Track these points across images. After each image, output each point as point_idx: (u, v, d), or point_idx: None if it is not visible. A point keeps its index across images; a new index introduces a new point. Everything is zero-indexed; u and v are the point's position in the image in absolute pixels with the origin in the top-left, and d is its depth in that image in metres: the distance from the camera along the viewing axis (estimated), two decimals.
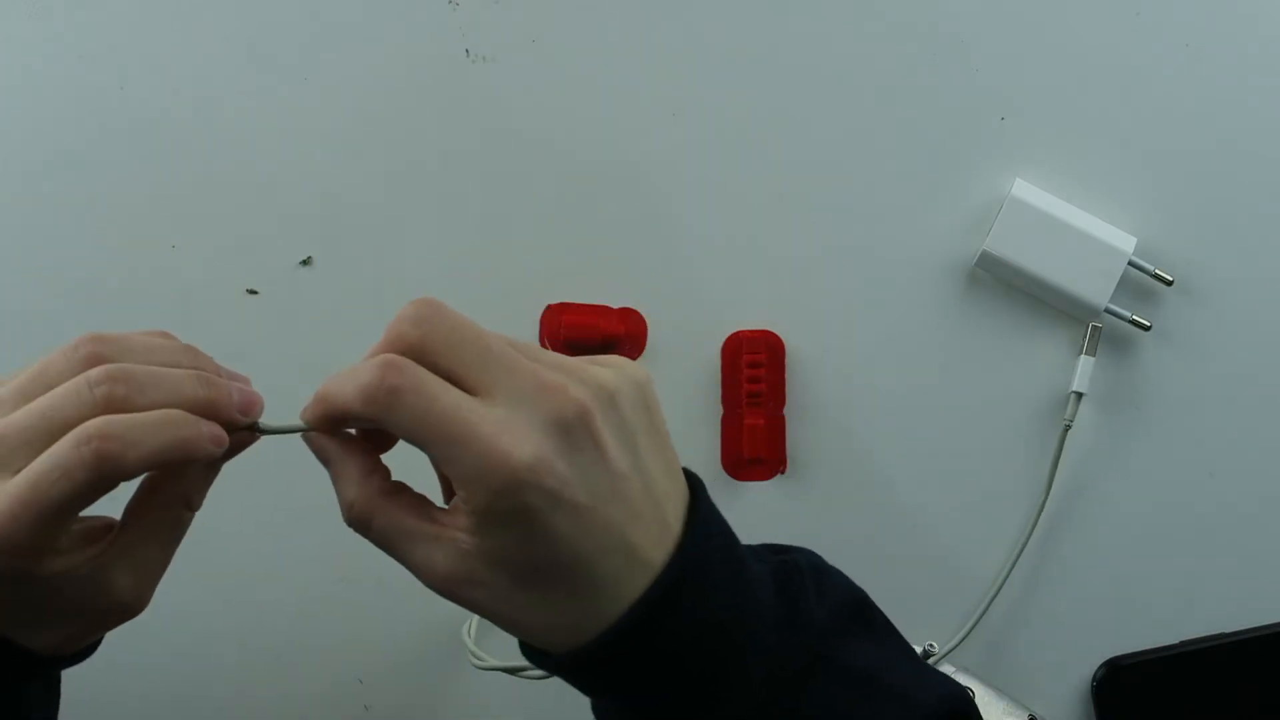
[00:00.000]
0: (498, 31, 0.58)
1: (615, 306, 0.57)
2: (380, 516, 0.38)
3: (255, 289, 0.57)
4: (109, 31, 0.57)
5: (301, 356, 0.57)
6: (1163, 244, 0.57)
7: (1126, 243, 0.56)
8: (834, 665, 0.38)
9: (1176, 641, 0.56)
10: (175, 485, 0.40)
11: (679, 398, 0.57)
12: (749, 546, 0.40)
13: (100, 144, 0.57)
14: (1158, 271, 0.57)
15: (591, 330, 0.55)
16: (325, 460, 0.40)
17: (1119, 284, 0.56)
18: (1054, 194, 0.57)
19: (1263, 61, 0.58)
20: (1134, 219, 0.57)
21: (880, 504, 0.57)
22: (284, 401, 0.56)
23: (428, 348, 0.37)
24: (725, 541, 0.38)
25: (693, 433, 0.57)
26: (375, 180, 0.58)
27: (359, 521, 0.38)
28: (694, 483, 0.39)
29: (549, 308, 0.56)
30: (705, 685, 0.37)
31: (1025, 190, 0.57)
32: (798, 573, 0.40)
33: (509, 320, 0.57)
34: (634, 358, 0.56)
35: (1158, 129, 0.58)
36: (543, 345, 0.54)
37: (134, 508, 0.40)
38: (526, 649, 0.38)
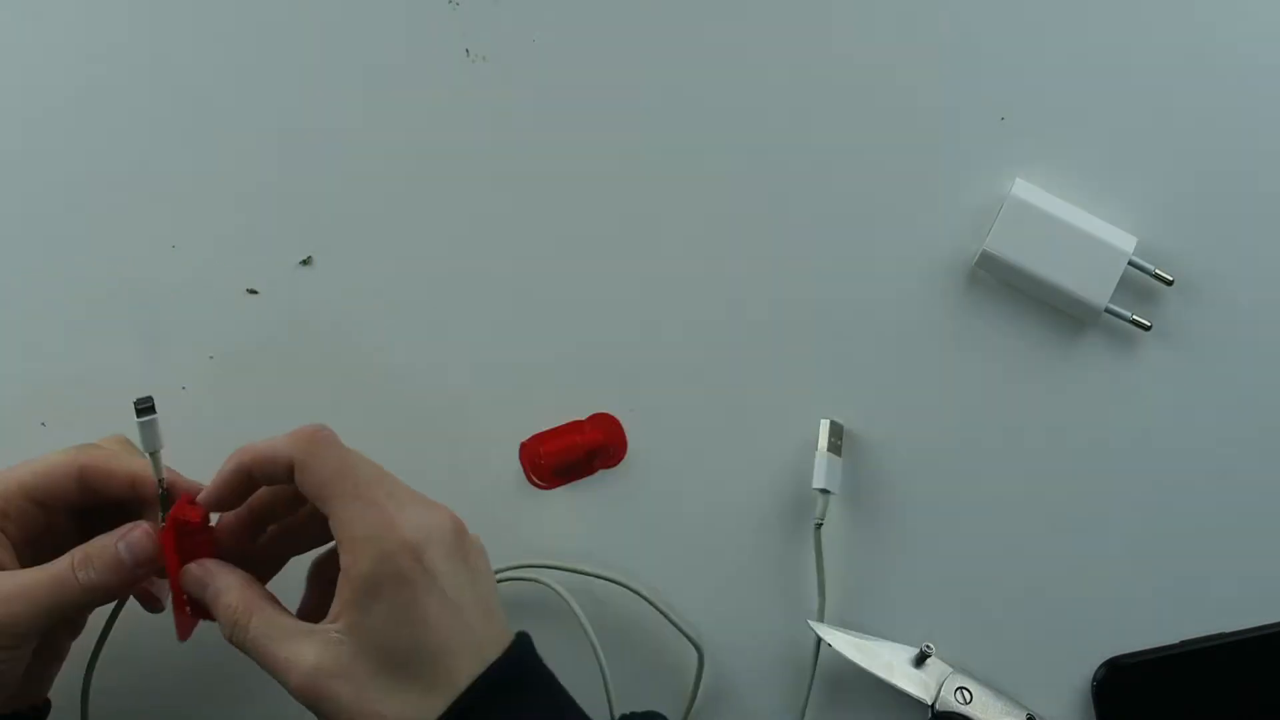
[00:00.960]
0: (498, 31, 0.58)
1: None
2: (259, 615, 0.42)
3: (255, 289, 0.57)
4: (109, 31, 0.57)
5: (301, 356, 0.57)
6: (1163, 244, 0.57)
7: (1126, 243, 0.56)
8: None
9: (1176, 641, 0.56)
10: (79, 547, 0.44)
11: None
12: None
13: (100, 144, 0.57)
14: (1158, 271, 0.56)
15: (572, 450, 0.56)
16: (204, 580, 0.44)
17: (1119, 284, 0.56)
18: (1054, 194, 0.57)
19: (1263, 61, 0.58)
20: (1134, 219, 0.57)
21: (880, 503, 0.57)
22: (284, 400, 0.56)
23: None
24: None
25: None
26: (375, 180, 0.58)
27: (238, 623, 0.42)
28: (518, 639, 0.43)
29: (523, 445, 0.56)
30: None
31: (1025, 190, 0.57)
32: None
33: (514, 302, 0.57)
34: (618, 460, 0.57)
35: (1158, 129, 0.58)
36: (530, 478, 0.56)
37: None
38: None
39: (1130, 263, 0.56)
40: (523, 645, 0.43)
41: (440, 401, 0.57)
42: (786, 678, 0.56)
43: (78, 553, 0.44)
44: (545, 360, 0.57)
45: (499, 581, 0.55)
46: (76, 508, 0.47)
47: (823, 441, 0.56)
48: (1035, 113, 0.58)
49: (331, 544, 0.45)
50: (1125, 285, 0.56)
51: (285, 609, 0.43)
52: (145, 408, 0.45)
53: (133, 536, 0.45)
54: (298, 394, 0.57)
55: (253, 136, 0.57)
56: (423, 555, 0.41)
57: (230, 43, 0.57)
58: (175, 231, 0.57)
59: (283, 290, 0.57)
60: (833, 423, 0.56)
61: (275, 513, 0.46)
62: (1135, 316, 0.56)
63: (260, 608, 0.42)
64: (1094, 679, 0.56)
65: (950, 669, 0.55)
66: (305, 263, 0.57)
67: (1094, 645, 0.56)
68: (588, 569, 0.55)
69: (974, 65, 0.58)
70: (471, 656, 0.41)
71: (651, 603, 0.55)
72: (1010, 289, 0.58)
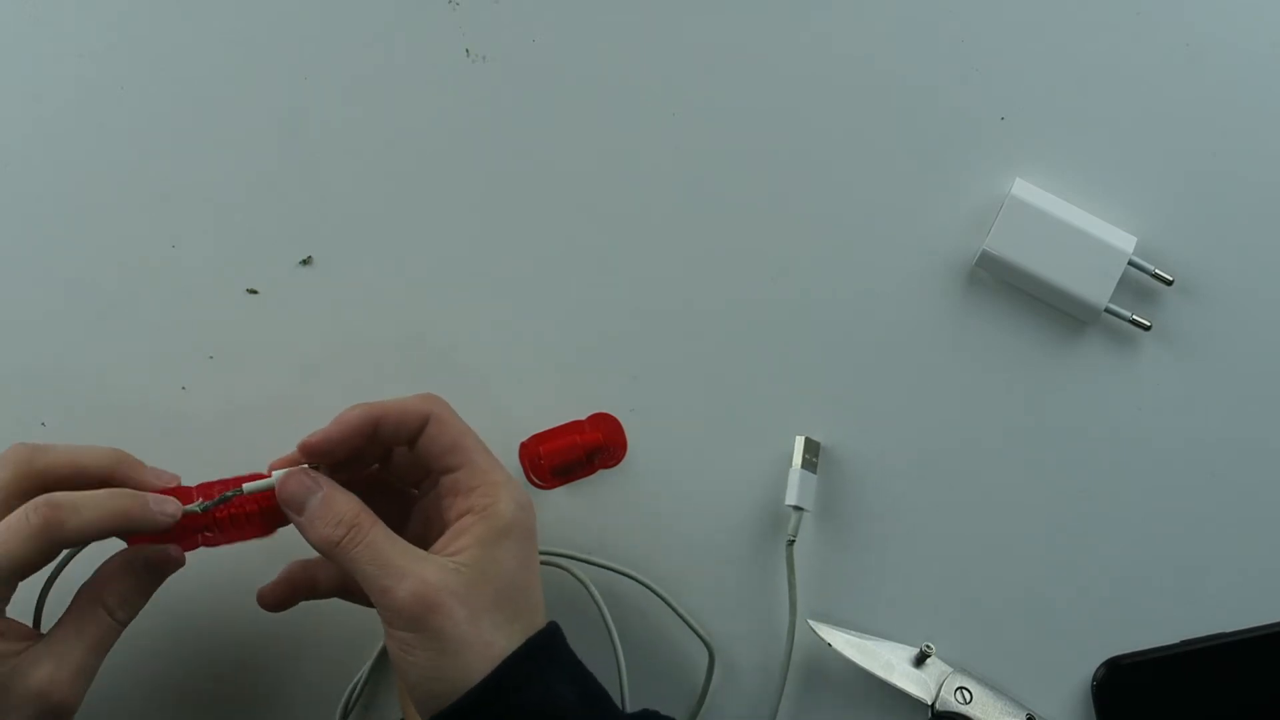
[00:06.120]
0: (498, 31, 0.58)
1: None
2: (380, 527, 0.44)
3: (255, 289, 0.57)
4: (109, 31, 0.57)
5: (301, 356, 0.57)
6: (1163, 244, 0.57)
7: (1126, 243, 0.56)
8: None
9: (1177, 641, 0.56)
10: (103, 590, 0.44)
11: None
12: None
13: (100, 144, 0.57)
14: (1158, 271, 0.57)
15: (572, 450, 0.56)
16: (312, 486, 0.45)
17: (1119, 284, 0.56)
18: (1054, 194, 0.57)
19: (1263, 62, 0.58)
20: (1134, 219, 0.57)
21: (881, 502, 0.57)
22: (284, 400, 0.56)
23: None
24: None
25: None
26: (375, 180, 0.58)
27: (359, 525, 0.44)
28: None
29: (523, 445, 0.56)
30: None
31: (1025, 190, 0.57)
32: None
33: (515, 302, 0.57)
34: (618, 460, 0.57)
35: (1158, 129, 0.58)
36: (529, 478, 0.56)
37: (67, 611, 0.44)
38: None
39: (1130, 263, 0.56)
40: (558, 628, 0.47)
41: None
42: (791, 677, 0.56)
43: (107, 597, 0.44)
44: (545, 360, 0.57)
45: None
46: None
47: (797, 458, 0.56)
48: (1035, 113, 0.58)
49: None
50: (1125, 285, 0.56)
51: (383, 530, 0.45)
52: None
53: (154, 559, 0.45)
54: (298, 394, 0.57)
55: (253, 136, 0.57)
56: (534, 520, 0.46)
57: (230, 43, 0.57)
58: (175, 231, 0.57)
59: (283, 290, 0.57)
60: (808, 440, 0.56)
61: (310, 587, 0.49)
62: (1135, 316, 0.56)
63: (376, 521, 0.44)
64: (1094, 679, 0.56)
65: (950, 669, 0.55)
66: (305, 263, 0.57)
67: (1094, 645, 0.56)
68: (605, 562, 0.55)
69: (974, 65, 0.58)
70: (540, 617, 0.45)
71: (667, 600, 0.55)
72: (1010, 289, 0.58)
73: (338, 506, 0.44)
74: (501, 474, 0.46)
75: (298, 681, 0.56)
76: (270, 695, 0.56)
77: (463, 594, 0.42)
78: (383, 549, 0.43)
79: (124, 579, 0.45)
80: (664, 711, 0.50)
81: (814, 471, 0.56)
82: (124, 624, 0.45)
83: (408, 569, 0.42)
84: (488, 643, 0.42)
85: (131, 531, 0.45)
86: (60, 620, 0.44)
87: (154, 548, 0.46)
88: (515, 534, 0.44)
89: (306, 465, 0.46)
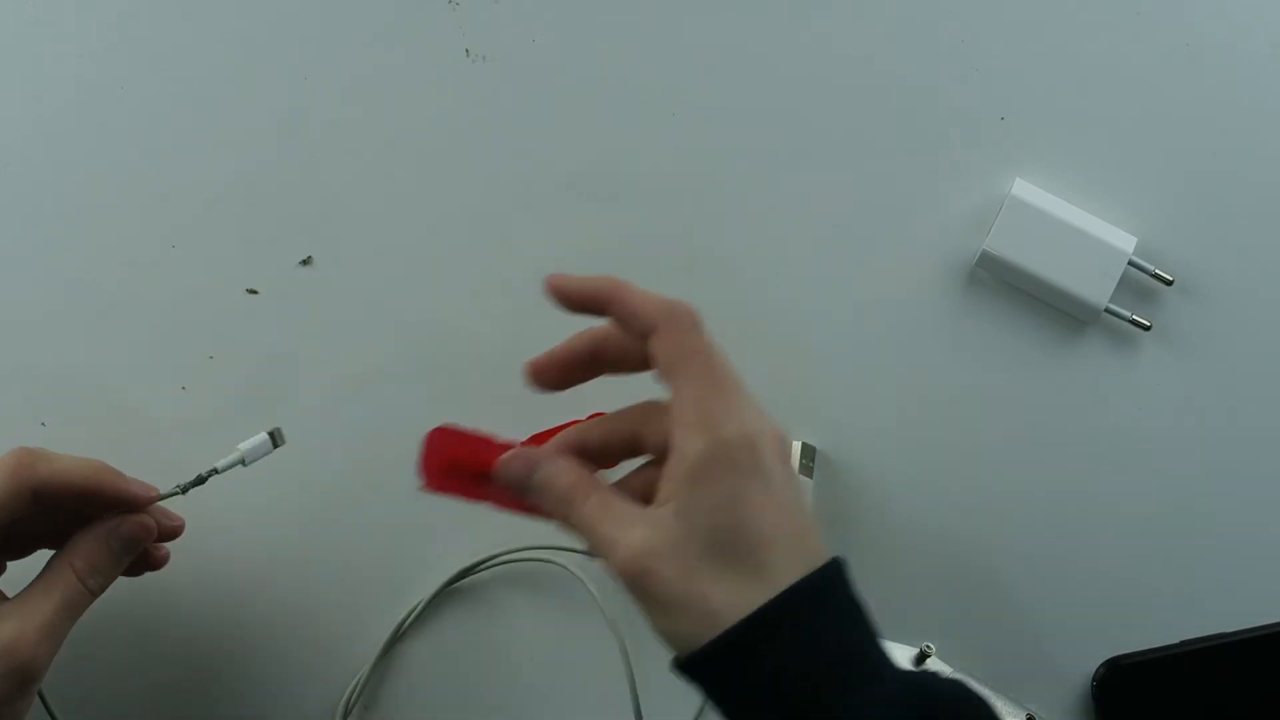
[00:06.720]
0: (498, 31, 0.58)
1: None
2: (594, 495, 0.42)
3: (255, 289, 0.57)
4: (109, 31, 0.57)
5: (301, 356, 0.57)
6: (1163, 244, 0.57)
7: (1126, 243, 0.56)
8: None
9: (1176, 641, 0.56)
10: (74, 556, 0.45)
11: None
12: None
13: (100, 144, 0.57)
14: (1158, 271, 0.57)
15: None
16: (534, 464, 0.44)
17: (1119, 284, 0.56)
18: (1054, 194, 0.57)
19: (1263, 62, 0.58)
20: (1134, 219, 0.57)
21: (881, 501, 0.57)
22: (283, 401, 0.56)
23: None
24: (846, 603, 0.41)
25: None
26: (375, 180, 0.58)
27: (574, 501, 0.42)
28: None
29: (523, 444, 0.56)
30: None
31: (1025, 190, 0.57)
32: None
33: (515, 303, 0.57)
34: None
35: (1158, 129, 0.58)
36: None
37: (38, 575, 0.45)
38: (678, 663, 0.40)
39: (1130, 263, 0.56)
40: (841, 565, 0.42)
41: (441, 400, 0.57)
42: None
43: (76, 561, 0.45)
44: None
45: (510, 562, 0.56)
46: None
47: (794, 465, 0.55)
48: (1035, 113, 0.58)
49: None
50: (1125, 285, 0.56)
51: (616, 491, 0.42)
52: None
53: (124, 529, 0.46)
54: (298, 394, 0.57)
55: (253, 136, 0.57)
56: (757, 449, 0.40)
57: (230, 43, 0.57)
58: (175, 231, 0.57)
59: (283, 290, 0.57)
60: (804, 445, 0.56)
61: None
62: (1135, 316, 0.56)
63: (593, 488, 0.42)
64: (1094, 679, 0.56)
65: (950, 669, 0.55)
66: (305, 263, 0.57)
67: (1094, 645, 0.56)
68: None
69: (974, 65, 0.58)
70: (795, 557, 0.40)
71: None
72: (1010, 289, 0.58)
73: (554, 483, 0.43)
74: (705, 407, 0.40)
75: (297, 681, 0.56)
76: (270, 695, 0.56)
77: (669, 552, 0.39)
78: (593, 519, 0.41)
79: (95, 546, 0.46)
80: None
81: (810, 477, 0.56)
82: (94, 593, 0.46)
83: (618, 538, 0.40)
84: (704, 597, 0.39)
85: (105, 495, 0.46)
86: (30, 583, 0.45)
87: (127, 519, 0.47)
88: (716, 473, 0.39)
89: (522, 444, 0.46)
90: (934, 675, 0.41)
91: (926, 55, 0.58)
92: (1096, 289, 0.56)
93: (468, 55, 0.58)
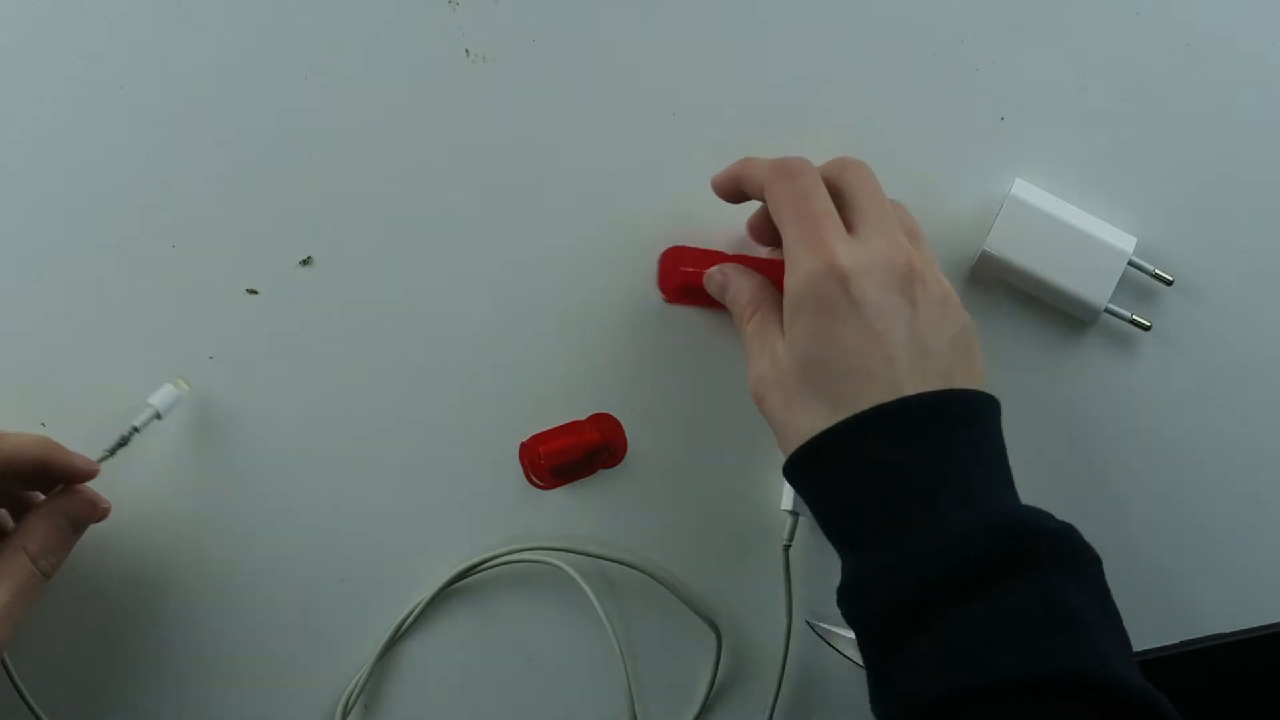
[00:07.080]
0: (498, 31, 0.58)
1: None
2: (760, 313, 0.48)
3: (255, 289, 0.57)
4: (109, 31, 0.57)
5: (302, 356, 0.57)
6: (1163, 244, 0.57)
7: (1126, 243, 0.56)
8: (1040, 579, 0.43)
9: (1176, 641, 0.56)
10: (25, 538, 0.46)
11: None
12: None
13: (100, 144, 0.57)
14: (1158, 271, 0.57)
15: (572, 450, 0.56)
16: (725, 283, 0.51)
17: (1119, 284, 0.56)
18: (1054, 194, 0.57)
19: (1263, 62, 0.58)
20: (1134, 219, 0.57)
21: None
22: (285, 401, 0.56)
23: (837, 178, 0.48)
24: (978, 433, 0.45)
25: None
26: (375, 180, 0.58)
27: (741, 320, 0.49)
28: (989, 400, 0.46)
29: (523, 445, 0.57)
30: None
31: (1025, 190, 0.57)
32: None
33: (515, 304, 0.57)
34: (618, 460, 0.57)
35: (1158, 129, 0.58)
36: (528, 478, 0.57)
37: None
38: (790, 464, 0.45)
39: (1130, 263, 0.56)
40: (968, 400, 0.45)
41: (440, 401, 0.57)
42: (789, 678, 0.56)
43: (30, 545, 0.46)
44: (545, 360, 0.57)
45: (507, 564, 0.56)
46: None
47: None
48: (1035, 113, 0.58)
49: None
50: (1125, 285, 0.56)
51: (778, 313, 0.47)
52: None
53: (71, 506, 0.48)
54: (298, 394, 0.57)
55: (252, 136, 0.57)
56: (850, 283, 0.44)
57: (230, 42, 0.57)
58: (175, 231, 0.57)
59: (283, 290, 0.57)
60: None
61: None
62: (1135, 316, 0.56)
63: (759, 307, 0.48)
64: None
65: None
66: (305, 263, 0.57)
67: None
68: (599, 551, 0.55)
69: (974, 65, 0.58)
70: (884, 386, 0.43)
71: (665, 583, 0.55)
72: (1010, 289, 0.58)
73: (736, 300, 0.50)
74: (801, 248, 0.45)
75: (297, 681, 0.56)
76: (270, 695, 0.56)
77: (776, 380, 0.45)
78: (749, 339, 0.48)
79: (44, 526, 0.47)
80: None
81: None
82: (47, 574, 0.47)
83: (752, 363, 0.47)
84: (795, 428, 0.44)
85: (54, 470, 0.47)
86: None
87: (74, 499, 0.48)
88: (806, 309, 0.44)
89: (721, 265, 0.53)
90: (1031, 511, 0.44)
91: (926, 55, 0.58)
92: (1096, 289, 0.56)
93: (468, 55, 0.58)
